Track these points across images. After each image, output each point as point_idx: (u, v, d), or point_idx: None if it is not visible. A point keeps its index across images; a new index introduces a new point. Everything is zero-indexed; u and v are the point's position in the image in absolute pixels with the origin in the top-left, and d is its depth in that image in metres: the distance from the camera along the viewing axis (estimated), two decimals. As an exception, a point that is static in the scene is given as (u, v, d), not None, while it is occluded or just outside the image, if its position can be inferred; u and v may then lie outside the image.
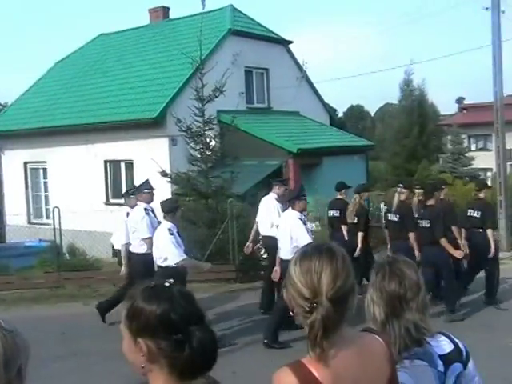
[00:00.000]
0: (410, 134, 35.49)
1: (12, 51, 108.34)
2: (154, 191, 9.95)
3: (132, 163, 19.24)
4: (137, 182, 18.74)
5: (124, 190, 19.81)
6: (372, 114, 74.98)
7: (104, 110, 19.83)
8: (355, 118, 69.99)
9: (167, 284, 1.88)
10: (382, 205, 11.66)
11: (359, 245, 10.73)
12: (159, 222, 9.11)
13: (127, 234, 9.80)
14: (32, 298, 12.25)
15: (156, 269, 8.61)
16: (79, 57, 25.31)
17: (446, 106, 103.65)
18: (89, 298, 12.09)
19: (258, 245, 11.51)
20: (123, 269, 9.92)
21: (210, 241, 13.34)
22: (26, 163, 22.57)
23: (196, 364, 1.79)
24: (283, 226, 8.95)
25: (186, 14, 23.23)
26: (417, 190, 10.90)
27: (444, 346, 2.48)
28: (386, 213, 10.99)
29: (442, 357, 2.44)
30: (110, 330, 9.35)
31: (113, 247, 11.45)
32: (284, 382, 1.90)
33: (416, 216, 10.27)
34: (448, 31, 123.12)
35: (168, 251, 8.29)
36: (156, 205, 9.37)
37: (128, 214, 10.08)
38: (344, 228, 11.12)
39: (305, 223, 8.85)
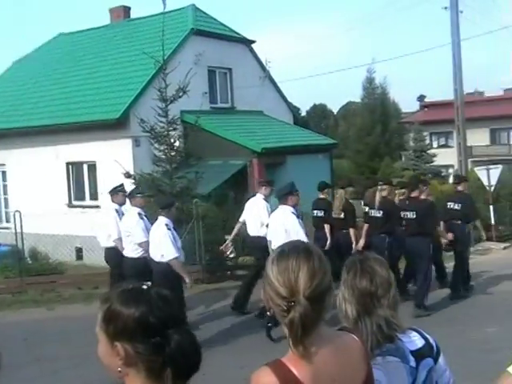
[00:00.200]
0: (373, 131, 35.87)
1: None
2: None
3: (95, 165, 19.00)
4: (100, 184, 18.66)
5: (87, 191, 19.68)
6: (335, 113, 75.48)
7: (65, 110, 19.53)
8: (318, 116, 70.41)
9: (145, 286, 1.85)
10: (362, 202, 11.80)
11: (353, 241, 10.84)
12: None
13: (119, 230, 9.73)
14: (-6, 305, 12.00)
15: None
16: (38, 57, 24.87)
17: (407, 103, 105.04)
18: (52, 302, 11.90)
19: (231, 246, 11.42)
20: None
21: (176, 242, 13.23)
22: (-17, 166, 22.12)
23: (176, 367, 1.77)
24: (277, 220, 9.06)
25: (148, 14, 23.04)
26: (397, 191, 11.13)
27: (415, 341, 2.50)
28: (369, 209, 11.08)
29: (413, 352, 2.45)
30: (74, 336, 9.22)
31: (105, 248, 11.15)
32: (264, 381, 1.89)
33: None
34: (409, 30, 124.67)
35: (164, 246, 8.32)
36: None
37: (117, 210, 10.01)
38: (327, 227, 11.12)
39: (298, 217, 9.01)
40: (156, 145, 14.90)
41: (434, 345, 2.54)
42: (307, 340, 1.90)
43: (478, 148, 40.62)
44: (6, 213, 21.31)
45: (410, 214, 10.00)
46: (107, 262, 10.56)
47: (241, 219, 10.95)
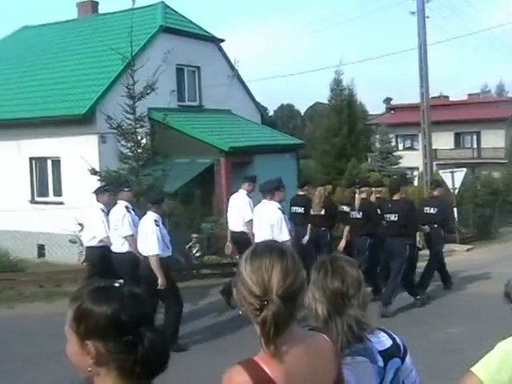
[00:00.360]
0: (340, 133, 36.06)
1: None
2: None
3: (59, 161, 18.70)
4: (64, 180, 18.41)
5: (51, 188, 19.37)
6: (302, 113, 75.82)
7: (30, 105, 19.19)
8: (286, 116, 70.66)
9: (117, 284, 1.83)
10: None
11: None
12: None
13: (106, 229, 9.65)
14: (-48, 303, 11.71)
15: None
16: (1, 49, 24.36)
17: (374, 106, 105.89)
18: (13, 300, 11.65)
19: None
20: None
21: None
22: None
23: (146, 366, 1.74)
24: (262, 215, 9.15)
25: (116, 10, 22.81)
26: (373, 189, 11.35)
27: (383, 341, 2.50)
28: (350, 210, 11.22)
29: (381, 352, 2.46)
30: (34, 335, 9.05)
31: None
32: (236, 380, 1.88)
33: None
34: (377, 33, 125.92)
35: (150, 242, 8.28)
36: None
37: (103, 210, 9.91)
38: (308, 227, 11.23)
39: (283, 213, 9.13)
40: (123, 142, 14.75)
41: (401, 345, 2.55)
42: (279, 339, 1.89)
43: (443, 151, 41.26)
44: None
45: (393, 217, 10.13)
46: (89, 261, 10.41)
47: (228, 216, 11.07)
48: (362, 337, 2.43)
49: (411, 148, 43.15)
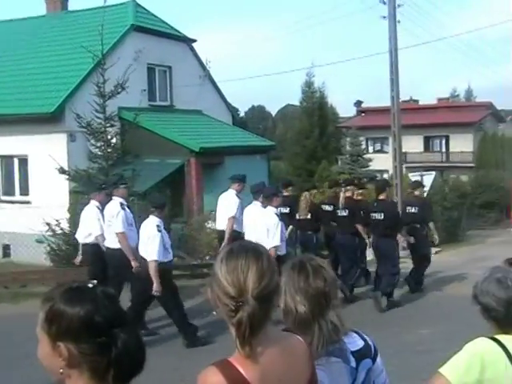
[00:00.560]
0: (311, 135, 36.19)
1: None
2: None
3: (26, 159, 18.42)
4: (31, 179, 18.14)
5: (17, 186, 19.06)
6: (273, 115, 76.00)
7: (-3, 102, 18.87)
8: (257, 118, 70.76)
9: (90, 285, 1.81)
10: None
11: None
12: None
13: (101, 227, 9.72)
14: None
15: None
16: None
17: (345, 108, 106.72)
18: (-24, 301, 11.41)
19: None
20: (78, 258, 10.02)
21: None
22: None
23: (121, 368, 1.72)
24: (256, 217, 9.44)
25: (86, 7, 22.56)
26: (343, 188, 11.66)
27: (356, 342, 2.51)
28: (334, 209, 11.52)
29: (354, 353, 2.47)
30: (1, 337, 8.88)
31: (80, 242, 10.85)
32: (211, 381, 1.88)
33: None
34: (349, 37, 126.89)
35: (151, 247, 8.29)
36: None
37: (98, 207, 9.95)
38: (289, 228, 11.35)
39: (281, 220, 9.37)
40: (92, 141, 14.62)
41: (372, 345, 2.57)
42: (254, 340, 1.89)
43: (413, 154, 41.66)
44: None
45: (378, 216, 10.44)
46: (84, 259, 10.39)
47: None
48: (340, 338, 2.44)
49: (381, 151, 43.50)
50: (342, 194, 11.31)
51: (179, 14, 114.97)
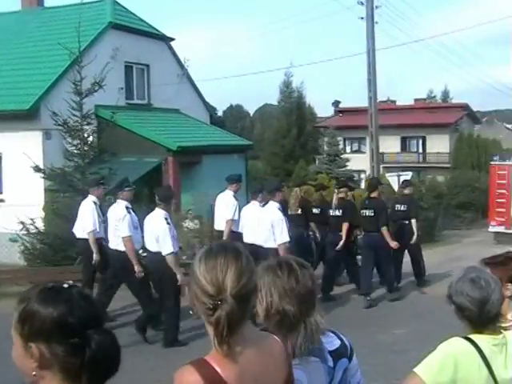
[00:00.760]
0: (289, 134, 36.28)
1: None
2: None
3: (0, 157, 18.14)
4: (5, 177, 17.90)
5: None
6: (251, 114, 76.03)
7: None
8: (234, 117, 70.68)
9: (66, 285, 1.78)
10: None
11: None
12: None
13: (94, 221, 9.72)
14: None
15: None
16: None
17: (322, 108, 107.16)
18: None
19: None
20: (95, 256, 9.73)
21: (86, 239, 12.88)
22: None
23: (95, 369, 1.70)
24: (264, 215, 9.47)
25: (63, 3, 22.36)
26: (336, 190, 11.96)
27: (333, 341, 2.52)
28: (322, 212, 11.82)
29: (331, 352, 2.48)
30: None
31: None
32: (188, 380, 1.87)
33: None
34: (327, 37, 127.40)
35: (163, 240, 8.30)
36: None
37: (95, 203, 9.89)
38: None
39: (285, 214, 9.57)
40: (68, 139, 14.52)
41: (348, 345, 2.58)
42: (232, 339, 1.89)
43: (390, 155, 41.92)
44: None
45: (369, 212, 10.89)
46: (80, 254, 10.41)
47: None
48: (320, 337, 2.45)
49: (358, 151, 43.70)
50: (335, 195, 11.66)
51: (157, 12, 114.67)
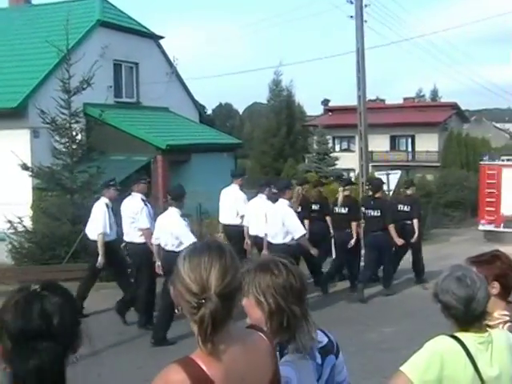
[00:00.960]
0: (278, 133, 36.31)
1: None
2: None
3: (-13, 155, 18.06)
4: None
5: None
6: (240, 113, 76.01)
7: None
8: (224, 116, 70.67)
9: (32, 289, 1.78)
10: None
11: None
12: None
13: (104, 224, 9.69)
14: None
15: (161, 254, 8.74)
16: None
17: (312, 107, 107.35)
18: None
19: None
20: (100, 259, 9.65)
21: (75, 238, 12.83)
22: None
23: (38, 378, 1.69)
24: (273, 211, 9.68)
25: (51, 1, 22.22)
26: (341, 187, 12.11)
27: (320, 338, 2.52)
28: (333, 206, 11.96)
29: (319, 350, 2.49)
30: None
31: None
32: (173, 379, 1.85)
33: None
34: (317, 36, 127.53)
35: (184, 236, 8.36)
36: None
37: (107, 205, 9.85)
38: None
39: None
40: (56, 137, 14.44)
41: (334, 342, 2.59)
42: (216, 337, 1.89)
43: (379, 153, 42.02)
44: None
45: (375, 212, 11.13)
46: (92, 255, 10.28)
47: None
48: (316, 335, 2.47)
49: (348, 150, 43.78)
50: (340, 193, 11.82)
51: (146, 10, 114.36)
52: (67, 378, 1.80)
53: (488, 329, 2.74)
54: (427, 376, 2.60)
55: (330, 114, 48.92)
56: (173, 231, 8.53)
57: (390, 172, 18.51)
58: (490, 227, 18.59)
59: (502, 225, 18.37)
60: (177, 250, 8.53)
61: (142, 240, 9.34)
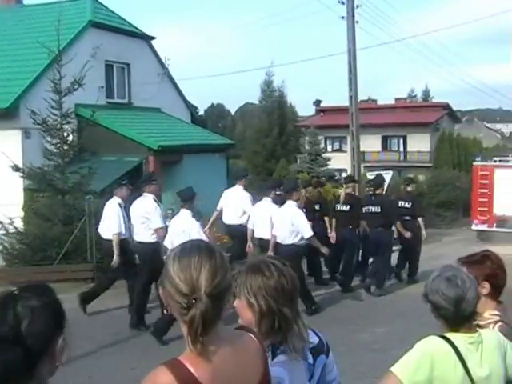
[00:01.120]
0: (270, 133, 36.28)
1: None
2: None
3: (-22, 155, 17.97)
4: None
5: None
6: (232, 113, 76.01)
7: None
8: (216, 116, 70.66)
9: (10, 292, 1.77)
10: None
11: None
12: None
13: (119, 224, 9.74)
14: None
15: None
16: None
17: (304, 107, 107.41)
18: None
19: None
20: (115, 258, 9.65)
21: (67, 239, 12.82)
22: None
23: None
24: (282, 213, 9.78)
25: (42, 1, 22.15)
26: (344, 185, 12.46)
27: (312, 339, 2.53)
28: (334, 204, 12.19)
29: (310, 349, 2.49)
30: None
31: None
32: (161, 381, 1.84)
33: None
34: (308, 37, 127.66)
35: (197, 237, 8.29)
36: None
37: (120, 205, 9.87)
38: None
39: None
40: (48, 138, 14.42)
41: (324, 341, 2.60)
42: (206, 338, 1.89)
43: (371, 154, 42.09)
44: None
45: (375, 209, 11.36)
46: (105, 254, 10.37)
47: (218, 207, 11.63)
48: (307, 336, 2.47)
49: (340, 150, 43.83)
50: (342, 190, 12.03)
51: (138, 10, 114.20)
52: (56, 380, 1.79)
53: (478, 329, 2.75)
54: (417, 376, 2.61)
55: (322, 114, 48.98)
56: (186, 232, 8.56)
57: (381, 172, 18.56)
58: (483, 227, 18.79)
59: (494, 225, 18.56)
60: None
61: (153, 239, 9.41)
